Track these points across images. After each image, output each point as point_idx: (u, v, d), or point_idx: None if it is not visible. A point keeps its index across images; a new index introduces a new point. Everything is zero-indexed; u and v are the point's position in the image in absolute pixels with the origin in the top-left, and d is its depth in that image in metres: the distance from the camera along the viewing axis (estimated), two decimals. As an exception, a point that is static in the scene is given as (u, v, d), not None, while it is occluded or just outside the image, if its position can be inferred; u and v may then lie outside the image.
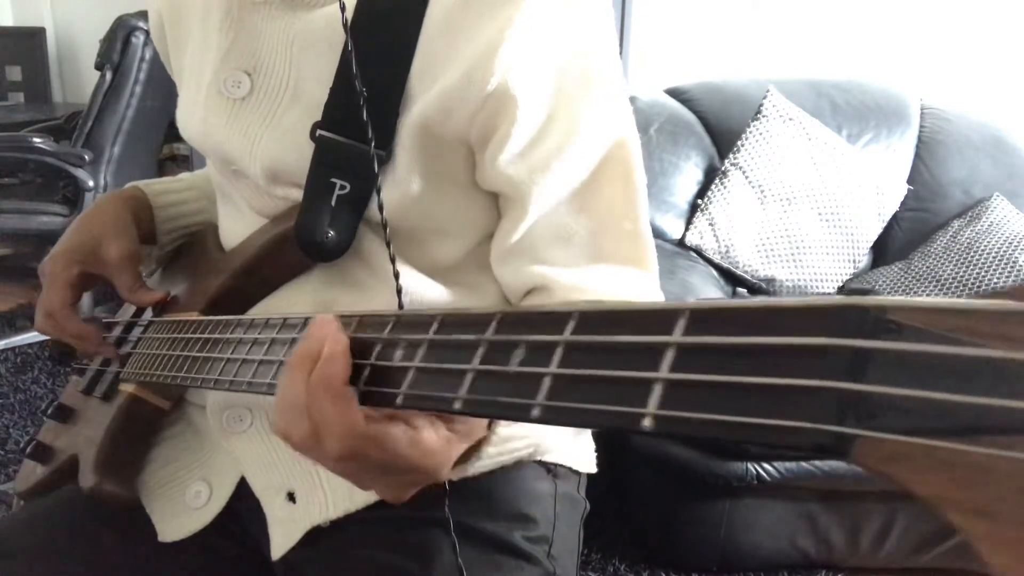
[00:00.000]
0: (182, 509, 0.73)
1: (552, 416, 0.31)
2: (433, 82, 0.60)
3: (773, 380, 0.23)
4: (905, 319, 0.21)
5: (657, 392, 0.27)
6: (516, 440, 0.58)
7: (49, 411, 0.81)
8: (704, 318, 0.27)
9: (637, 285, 0.67)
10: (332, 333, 0.43)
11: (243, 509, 0.73)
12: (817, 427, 0.22)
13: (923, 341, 0.20)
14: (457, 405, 0.37)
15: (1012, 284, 1.80)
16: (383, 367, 0.42)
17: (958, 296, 1.42)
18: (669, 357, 0.27)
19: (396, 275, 0.61)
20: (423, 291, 0.68)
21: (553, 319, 0.33)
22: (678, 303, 0.28)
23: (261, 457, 0.71)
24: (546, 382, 0.32)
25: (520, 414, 0.33)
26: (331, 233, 0.64)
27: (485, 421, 0.52)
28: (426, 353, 0.40)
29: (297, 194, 0.65)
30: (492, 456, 0.54)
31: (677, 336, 0.27)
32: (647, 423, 0.26)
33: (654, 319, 0.29)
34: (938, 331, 0.20)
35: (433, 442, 0.45)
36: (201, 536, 0.73)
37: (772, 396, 0.23)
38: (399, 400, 0.40)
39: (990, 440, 0.18)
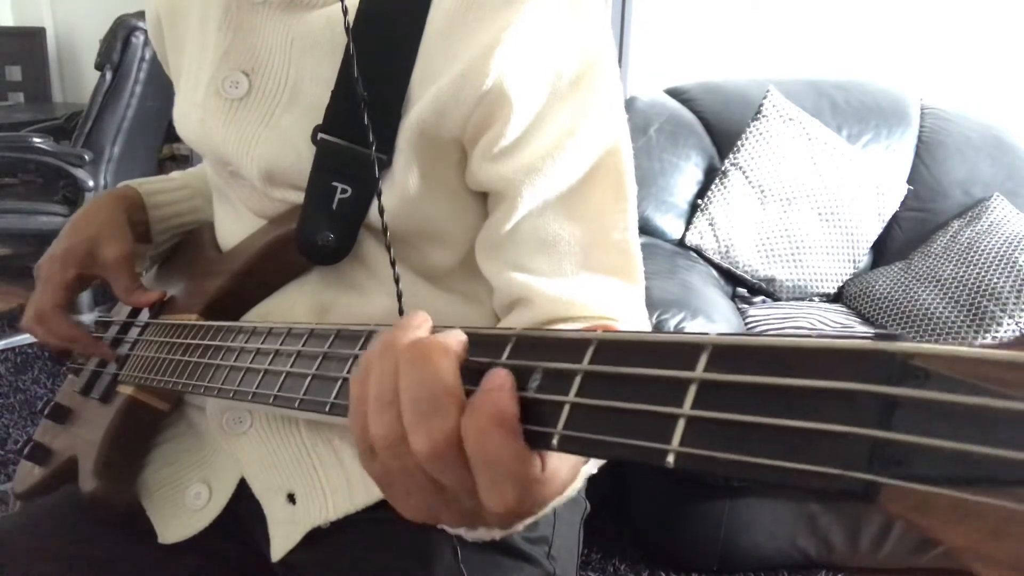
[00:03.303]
0: (182, 510, 0.74)
1: (572, 446, 0.31)
2: (431, 84, 0.60)
3: (801, 423, 0.23)
4: (931, 366, 0.21)
5: (680, 428, 0.27)
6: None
7: (46, 411, 0.80)
8: (727, 354, 0.27)
9: (622, 298, 0.65)
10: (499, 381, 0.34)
11: (243, 510, 0.73)
12: (846, 474, 0.21)
13: (950, 389, 0.20)
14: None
15: (1012, 285, 1.80)
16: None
17: (958, 296, 1.41)
18: (692, 393, 0.27)
19: (397, 279, 0.61)
20: (420, 295, 0.68)
21: (571, 346, 0.33)
22: (699, 336, 0.28)
23: (261, 458, 0.71)
24: (565, 410, 0.32)
25: (540, 443, 0.32)
26: (332, 237, 0.63)
27: None
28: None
29: (294, 196, 0.65)
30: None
31: (699, 372, 0.27)
32: (670, 459, 0.26)
33: (675, 352, 0.28)
34: (964, 379, 0.20)
35: (579, 463, 0.41)
36: (201, 537, 0.73)
37: (800, 439, 0.23)
38: None
39: (1019, 493, 0.18)
